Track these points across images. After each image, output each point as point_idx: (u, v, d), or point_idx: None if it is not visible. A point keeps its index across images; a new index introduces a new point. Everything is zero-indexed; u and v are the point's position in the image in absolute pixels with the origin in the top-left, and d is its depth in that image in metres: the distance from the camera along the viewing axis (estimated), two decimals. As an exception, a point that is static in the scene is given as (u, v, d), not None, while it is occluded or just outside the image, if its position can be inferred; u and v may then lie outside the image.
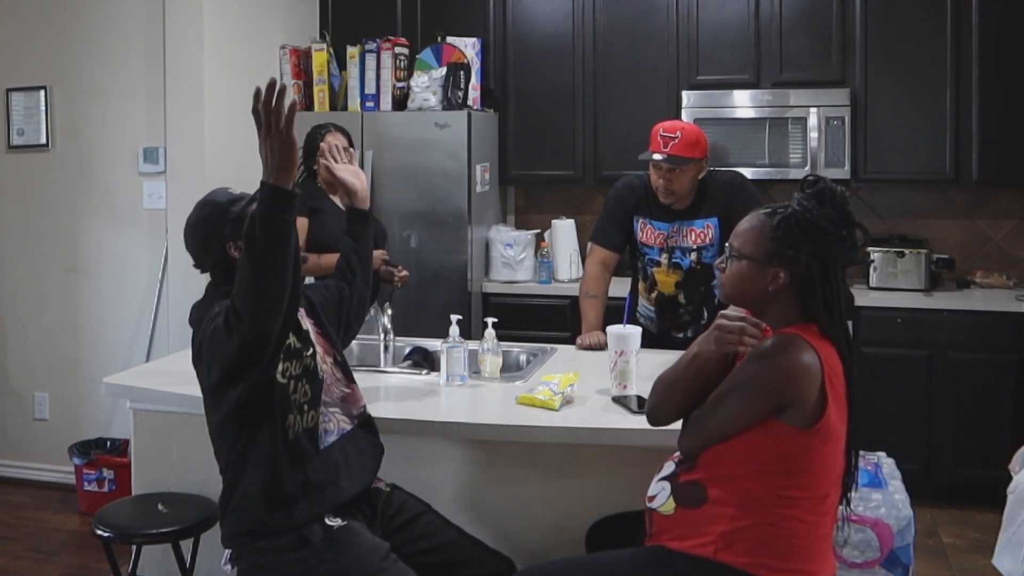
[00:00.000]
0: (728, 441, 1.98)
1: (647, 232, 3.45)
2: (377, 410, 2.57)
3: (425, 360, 3.25)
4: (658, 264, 3.43)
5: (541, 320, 4.69)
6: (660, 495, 2.08)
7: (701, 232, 3.38)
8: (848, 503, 2.09)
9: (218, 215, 2.34)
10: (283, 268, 2.05)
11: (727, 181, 3.41)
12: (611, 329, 2.76)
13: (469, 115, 4.56)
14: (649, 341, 3.27)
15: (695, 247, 3.38)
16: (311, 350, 2.30)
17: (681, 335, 3.45)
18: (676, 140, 3.24)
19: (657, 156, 3.25)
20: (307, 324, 2.36)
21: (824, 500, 1.97)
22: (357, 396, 2.43)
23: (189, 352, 3.49)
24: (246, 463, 2.22)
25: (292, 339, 2.24)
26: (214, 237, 2.33)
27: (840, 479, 2.02)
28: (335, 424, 2.32)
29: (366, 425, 2.42)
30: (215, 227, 2.33)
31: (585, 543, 2.38)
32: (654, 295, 3.47)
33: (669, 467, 2.11)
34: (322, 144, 3.30)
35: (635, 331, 2.74)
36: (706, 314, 3.42)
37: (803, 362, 1.90)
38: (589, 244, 3.60)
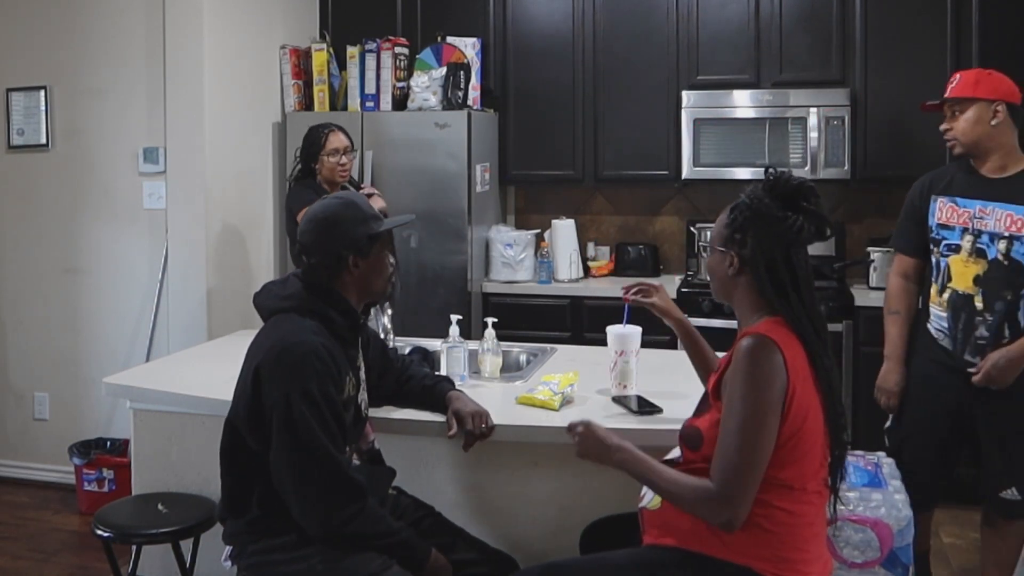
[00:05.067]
0: (711, 434, 2.01)
1: (946, 211, 2.95)
2: (378, 410, 2.58)
3: (425, 360, 3.25)
4: (957, 250, 2.91)
5: (541, 320, 4.70)
6: (648, 492, 2.12)
7: (1020, 218, 2.84)
8: (836, 497, 2.10)
9: (353, 221, 2.28)
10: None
11: None
12: (611, 329, 2.75)
13: (469, 115, 4.56)
14: (941, 372, 2.97)
15: (1007, 234, 2.85)
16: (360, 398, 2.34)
17: (976, 360, 2.89)
18: (955, 83, 3.00)
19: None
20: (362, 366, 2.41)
21: (805, 490, 2.00)
22: (367, 432, 2.45)
23: (188, 351, 3.53)
24: (256, 474, 2.22)
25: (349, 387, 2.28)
26: (336, 239, 2.27)
27: (819, 471, 2.03)
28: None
29: (373, 460, 2.44)
30: (344, 230, 2.27)
31: (579, 545, 2.38)
32: (946, 295, 2.94)
33: None
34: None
35: (635, 331, 2.73)
36: (1008, 333, 2.86)
37: (773, 360, 1.95)
38: (891, 255, 3.21)
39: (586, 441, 2.12)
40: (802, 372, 1.99)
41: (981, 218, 2.88)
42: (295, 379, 2.13)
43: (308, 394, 2.12)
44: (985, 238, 2.88)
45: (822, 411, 2.02)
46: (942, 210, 2.97)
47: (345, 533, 2.15)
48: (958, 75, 3.02)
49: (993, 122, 2.90)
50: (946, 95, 2.99)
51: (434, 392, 2.59)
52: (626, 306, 2.75)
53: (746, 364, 1.96)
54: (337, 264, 2.27)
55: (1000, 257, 2.85)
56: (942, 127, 3.01)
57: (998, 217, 2.86)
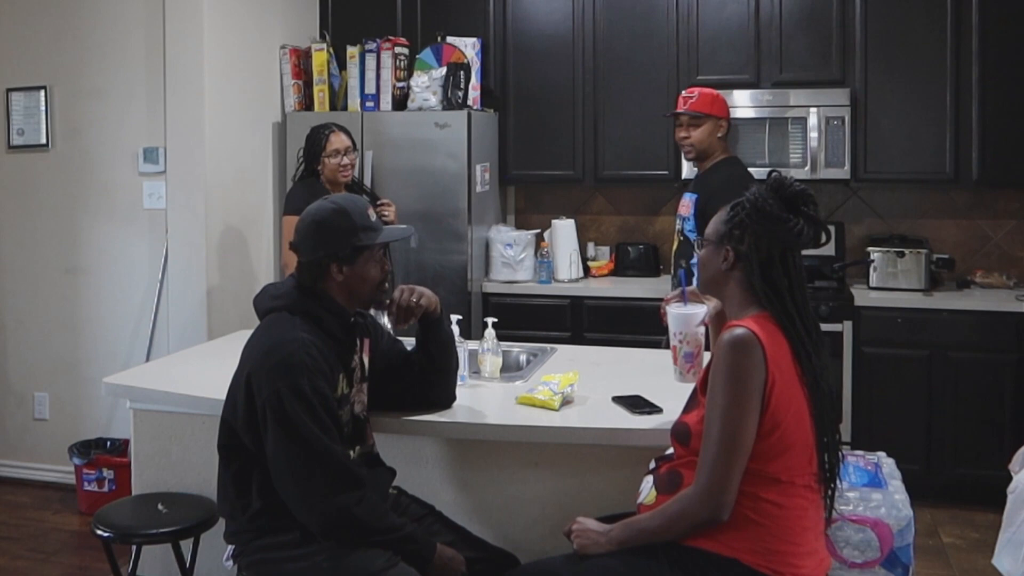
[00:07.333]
0: (699, 429, 2.02)
1: (681, 203, 3.70)
2: (378, 410, 2.57)
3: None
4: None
5: (541, 320, 4.70)
6: (644, 489, 2.15)
7: (688, 202, 3.59)
8: (828, 496, 2.10)
9: (339, 231, 2.28)
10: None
11: (729, 173, 3.50)
12: (672, 309, 2.46)
13: (469, 115, 4.56)
14: None
15: (682, 215, 3.64)
16: (349, 404, 2.34)
17: None
18: (694, 99, 3.58)
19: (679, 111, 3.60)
20: (364, 361, 2.42)
21: (793, 483, 2.01)
22: (367, 434, 2.45)
23: (188, 351, 3.53)
24: (254, 465, 2.23)
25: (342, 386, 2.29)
26: (319, 244, 2.28)
27: (808, 465, 2.03)
28: None
29: (372, 463, 2.44)
30: (328, 237, 2.28)
31: None
32: None
33: (652, 463, 2.20)
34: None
35: (699, 309, 2.44)
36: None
37: (752, 352, 1.97)
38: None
39: (582, 537, 2.13)
40: (784, 367, 2.00)
41: (684, 205, 3.64)
42: (284, 375, 2.14)
43: (298, 389, 2.13)
44: (679, 220, 3.65)
45: (809, 409, 2.02)
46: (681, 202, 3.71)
47: (347, 525, 2.14)
48: (696, 91, 3.61)
49: (719, 134, 3.60)
50: (686, 108, 3.58)
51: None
52: (683, 277, 2.68)
53: (725, 356, 1.99)
54: (319, 269, 2.29)
55: (679, 234, 3.64)
56: (679, 135, 3.65)
57: (684, 203, 3.63)
